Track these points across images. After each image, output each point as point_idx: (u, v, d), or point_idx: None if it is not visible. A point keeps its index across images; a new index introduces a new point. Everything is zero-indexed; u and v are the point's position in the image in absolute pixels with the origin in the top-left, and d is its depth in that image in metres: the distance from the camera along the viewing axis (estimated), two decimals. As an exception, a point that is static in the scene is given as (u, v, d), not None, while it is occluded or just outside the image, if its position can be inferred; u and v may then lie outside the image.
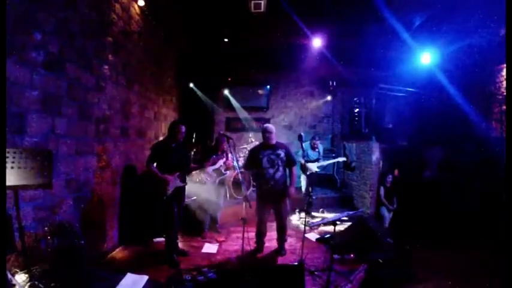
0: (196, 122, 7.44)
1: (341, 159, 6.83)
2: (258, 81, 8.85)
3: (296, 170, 4.04)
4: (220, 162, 4.74)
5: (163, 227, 3.76)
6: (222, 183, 4.90)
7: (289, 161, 3.91)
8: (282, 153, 3.83)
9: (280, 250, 4.04)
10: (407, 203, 5.46)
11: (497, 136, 4.65)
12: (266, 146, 3.84)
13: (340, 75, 7.80)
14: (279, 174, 3.80)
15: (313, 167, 5.80)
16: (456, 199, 5.19)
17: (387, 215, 5.31)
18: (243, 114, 8.53)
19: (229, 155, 4.82)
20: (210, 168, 4.66)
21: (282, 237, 4.04)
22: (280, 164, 3.81)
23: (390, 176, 5.44)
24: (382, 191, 5.38)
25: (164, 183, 3.54)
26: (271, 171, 3.78)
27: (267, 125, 3.95)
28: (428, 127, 6.18)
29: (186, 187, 3.89)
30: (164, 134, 5.83)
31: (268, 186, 3.78)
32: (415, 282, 3.31)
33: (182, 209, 3.88)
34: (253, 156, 3.87)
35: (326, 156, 6.87)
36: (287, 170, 3.93)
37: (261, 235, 4.03)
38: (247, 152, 6.79)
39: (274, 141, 3.82)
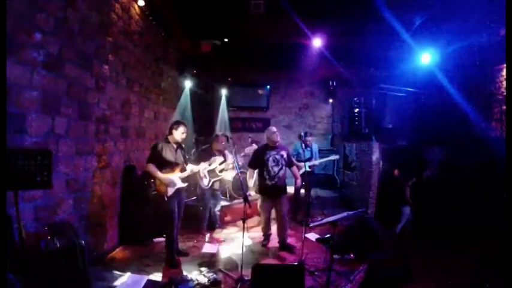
0: (196, 122, 7.46)
1: (334, 157, 6.43)
2: (258, 81, 8.86)
3: (296, 168, 4.50)
4: (216, 163, 4.58)
5: (164, 227, 3.75)
6: (217, 184, 4.84)
7: (290, 162, 4.32)
8: (284, 154, 4.22)
9: (288, 247, 4.18)
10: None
11: (497, 136, 4.64)
12: (270, 147, 4.19)
13: (340, 75, 7.80)
14: (282, 172, 4.17)
15: (305, 166, 5.39)
16: (456, 199, 5.19)
17: (409, 213, 5.36)
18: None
19: (230, 155, 4.75)
20: (205, 170, 4.54)
21: (284, 233, 4.20)
22: (283, 163, 4.18)
23: (415, 177, 5.52)
24: (407, 190, 5.45)
25: (167, 183, 3.53)
26: (276, 169, 4.13)
27: (273, 127, 4.27)
28: (429, 127, 6.17)
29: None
30: (164, 134, 5.82)
31: (273, 183, 4.12)
32: (415, 282, 3.31)
33: (183, 209, 3.87)
34: (259, 156, 4.20)
35: (323, 156, 6.82)
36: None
37: (267, 228, 4.39)
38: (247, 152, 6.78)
39: (279, 143, 4.23)
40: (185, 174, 3.73)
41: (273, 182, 4.11)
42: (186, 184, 3.78)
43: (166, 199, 3.55)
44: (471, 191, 5.01)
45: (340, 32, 6.15)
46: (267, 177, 4.11)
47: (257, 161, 4.20)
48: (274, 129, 4.21)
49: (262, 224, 4.40)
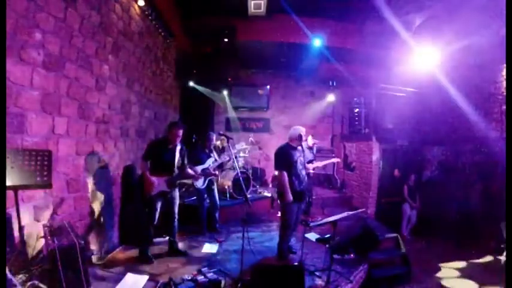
0: (196, 122, 7.45)
1: (335, 159, 6.47)
2: (258, 81, 8.86)
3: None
4: (209, 161, 4.61)
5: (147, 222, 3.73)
6: (212, 183, 4.83)
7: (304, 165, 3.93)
8: (304, 156, 3.83)
9: (290, 250, 4.05)
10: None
11: (497, 136, 4.65)
12: (293, 147, 3.73)
13: (340, 75, 7.80)
14: (306, 176, 3.82)
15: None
16: (456, 199, 5.19)
17: (409, 212, 5.42)
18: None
19: (226, 154, 4.80)
20: (198, 168, 4.50)
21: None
22: (305, 166, 3.81)
23: (413, 176, 5.59)
24: (405, 189, 5.54)
25: (150, 184, 3.52)
26: (304, 172, 3.74)
27: (302, 127, 3.79)
28: (428, 127, 6.18)
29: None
30: (164, 134, 5.82)
31: (301, 188, 3.72)
32: (415, 282, 3.32)
33: (176, 209, 3.83)
34: (288, 156, 3.68)
35: (324, 157, 6.83)
36: None
37: (289, 243, 3.90)
38: (247, 151, 6.81)
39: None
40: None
41: (302, 187, 3.71)
42: (171, 189, 3.71)
43: (149, 197, 3.55)
44: (471, 190, 5.02)
45: (340, 32, 6.16)
46: (296, 182, 3.65)
47: (286, 161, 3.67)
48: (304, 130, 3.77)
49: (288, 232, 3.81)
